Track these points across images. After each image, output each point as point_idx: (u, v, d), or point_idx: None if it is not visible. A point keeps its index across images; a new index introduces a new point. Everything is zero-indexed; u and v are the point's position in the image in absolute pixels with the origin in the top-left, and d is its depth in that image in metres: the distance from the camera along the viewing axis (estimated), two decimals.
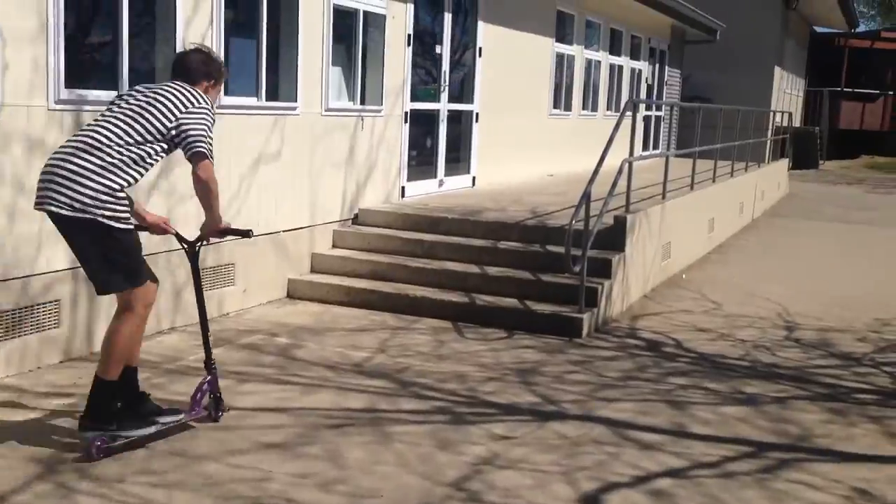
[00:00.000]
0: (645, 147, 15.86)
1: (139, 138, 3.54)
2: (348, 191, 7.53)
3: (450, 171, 9.26)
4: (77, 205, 3.44)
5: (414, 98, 8.48)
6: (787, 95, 24.64)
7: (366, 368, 5.10)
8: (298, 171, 6.86)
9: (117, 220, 3.50)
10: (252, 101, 6.38)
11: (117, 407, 3.71)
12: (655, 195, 8.46)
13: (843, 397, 5.10)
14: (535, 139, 11.25)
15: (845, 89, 28.85)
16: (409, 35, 8.22)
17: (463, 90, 9.54)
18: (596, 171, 6.48)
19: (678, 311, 7.13)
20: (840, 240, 12.01)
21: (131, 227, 3.61)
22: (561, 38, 11.73)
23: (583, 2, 12.09)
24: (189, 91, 3.70)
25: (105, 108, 3.73)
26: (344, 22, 7.40)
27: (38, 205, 3.53)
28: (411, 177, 8.55)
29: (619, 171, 6.83)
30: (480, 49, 9.55)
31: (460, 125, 9.50)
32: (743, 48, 20.35)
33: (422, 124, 8.75)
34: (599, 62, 13.35)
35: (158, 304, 5.54)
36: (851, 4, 24.53)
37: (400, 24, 8.07)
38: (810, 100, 29.34)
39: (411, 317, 6.34)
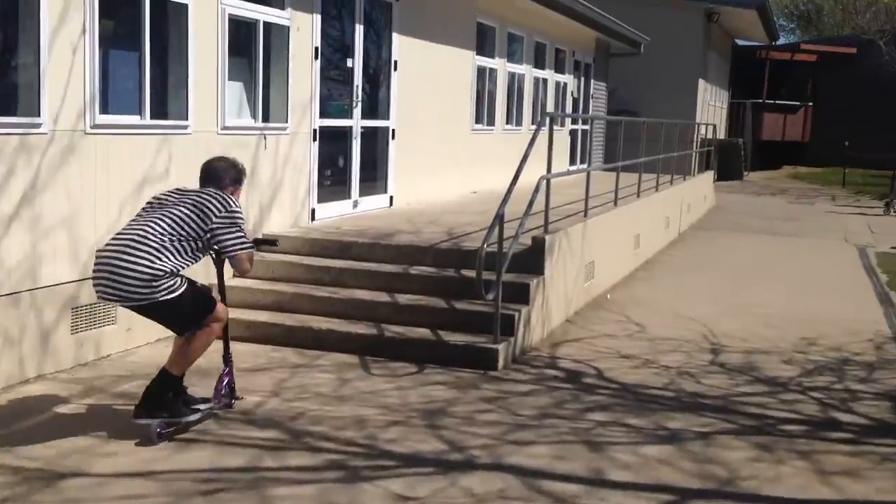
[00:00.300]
0: (572, 162, 15.66)
1: (180, 236, 4.02)
2: (251, 215, 7.00)
3: (365, 190, 8.80)
4: (135, 296, 3.92)
5: (324, 114, 8.00)
6: (711, 107, 24.91)
7: (255, 416, 4.59)
8: None
9: (172, 291, 3.96)
10: (135, 119, 5.83)
11: (170, 397, 4.17)
12: (578, 212, 8.16)
13: (769, 429, 4.80)
14: (457, 155, 10.87)
15: (767, 101, 29.40)
16: (317, 48, 7.76)
17: (378, 105, 9.10)
18: (510, 190, 6.11)
19: (601, 336, 6.80)
20: (766, 252, 11.94)
21: (185, 285, 4.02)
22: (482, 51, 11.41)
23: (504, 14, 11.81)
24: (221, 197, 4.20)
25: (142, 208, 4.26)
26: (242, 34, 6.91)
27: (100, 297, 4.03)
28: (322, 198, 8.06)
29: (536, 189, 6.47)
30: (396, 62, 9.13)
31: (376, 142, 9.05)
32: (667, 61, 20.46)
33: (333, 142, 8.27)
34: (523, 75, 13.08)
35: (21, 349, 4.97)
36: (772, 18, 24.99)
37: (306, 36, 7.60)
38: (734, 111, 29.80)
39: (315, 352, 5.85)
